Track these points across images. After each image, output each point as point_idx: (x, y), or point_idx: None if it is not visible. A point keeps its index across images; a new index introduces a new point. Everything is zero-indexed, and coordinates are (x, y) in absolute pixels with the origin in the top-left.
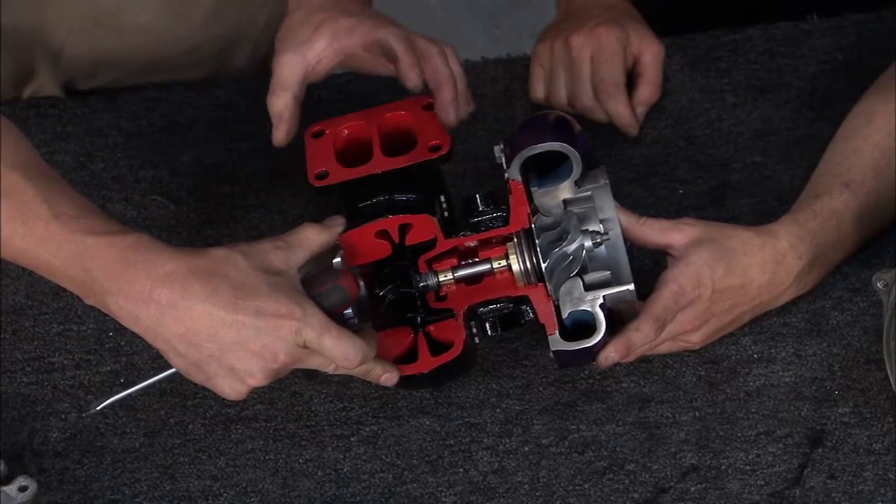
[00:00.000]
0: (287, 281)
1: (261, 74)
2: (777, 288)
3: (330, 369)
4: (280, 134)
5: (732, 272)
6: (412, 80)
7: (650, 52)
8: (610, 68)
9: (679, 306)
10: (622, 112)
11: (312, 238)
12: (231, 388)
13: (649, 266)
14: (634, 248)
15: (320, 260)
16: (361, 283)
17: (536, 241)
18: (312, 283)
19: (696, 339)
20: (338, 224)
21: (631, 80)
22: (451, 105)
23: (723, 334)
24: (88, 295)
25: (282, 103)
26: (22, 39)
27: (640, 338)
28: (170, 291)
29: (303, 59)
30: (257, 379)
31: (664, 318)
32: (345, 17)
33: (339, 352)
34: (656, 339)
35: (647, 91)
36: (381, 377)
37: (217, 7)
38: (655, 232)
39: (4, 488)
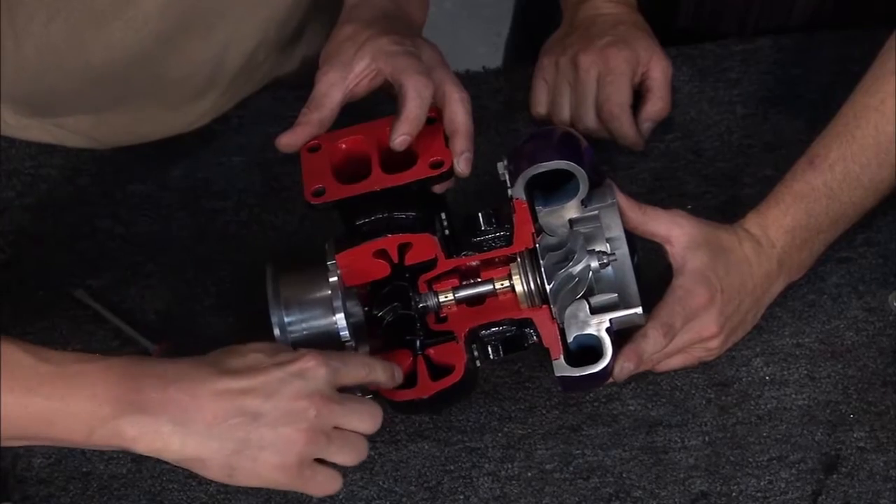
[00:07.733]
0: None
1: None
2: (767, 278)
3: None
4: (286, 139)
5: (730, 271)
6: (396, 141)
7: (659, 69)
8: (616, 89)
9: (687, 312)
10: (627, 132)
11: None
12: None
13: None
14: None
15: None
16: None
17: (541, 262)
18: None
19: (714, 344)
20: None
21: (638, 95)
22: (463, 156)
23: (734, 340)
24: (95, 426)
25: (307, 116)
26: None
27: (649, 344)
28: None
29: (344, 79)
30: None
31: (671, 322)
32: (387, 40)
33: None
34: (668, 348)
35: (656, 107)
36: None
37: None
38: (656, 222)
39: None
